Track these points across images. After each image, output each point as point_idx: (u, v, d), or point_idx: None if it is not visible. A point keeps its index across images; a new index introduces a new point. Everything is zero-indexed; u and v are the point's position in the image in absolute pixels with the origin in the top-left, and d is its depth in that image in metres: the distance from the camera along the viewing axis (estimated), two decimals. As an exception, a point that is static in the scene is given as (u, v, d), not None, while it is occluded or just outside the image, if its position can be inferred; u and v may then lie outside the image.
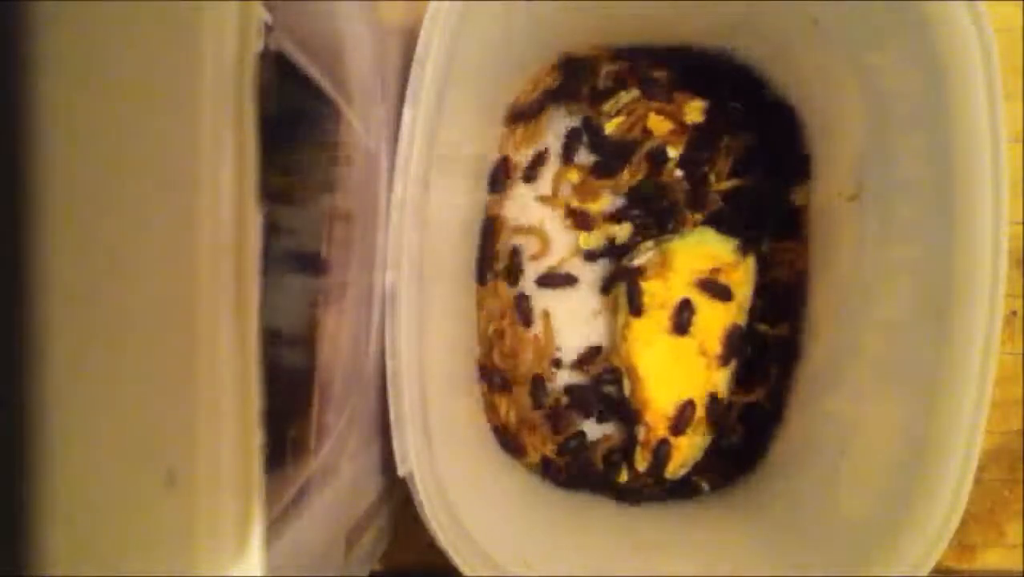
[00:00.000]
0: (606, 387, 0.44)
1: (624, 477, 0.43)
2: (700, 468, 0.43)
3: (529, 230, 0.44)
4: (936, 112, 0.31)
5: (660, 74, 0.44)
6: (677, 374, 0.42)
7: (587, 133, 0.44)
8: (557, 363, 0.44)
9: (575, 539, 0.38)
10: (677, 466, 0.42)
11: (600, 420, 0.44)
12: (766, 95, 0.42)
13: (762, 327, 0.43)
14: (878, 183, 0.36)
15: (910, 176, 0.34)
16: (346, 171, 0.29)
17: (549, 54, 0.42)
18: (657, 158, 0.44)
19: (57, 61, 0.15)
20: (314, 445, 0.27)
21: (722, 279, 0.42)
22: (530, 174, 0.44)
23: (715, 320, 0.42)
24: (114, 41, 0.16)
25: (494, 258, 0.43)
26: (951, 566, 0.45)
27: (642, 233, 0.44)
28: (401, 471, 0.31)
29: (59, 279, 0.15)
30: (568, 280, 0.44)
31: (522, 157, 0.44)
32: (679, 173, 0.44)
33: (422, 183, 0.31)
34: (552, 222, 0.44)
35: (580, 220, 0.44)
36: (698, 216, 0.44)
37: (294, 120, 0.26)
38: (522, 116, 0.43)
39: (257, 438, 0.17)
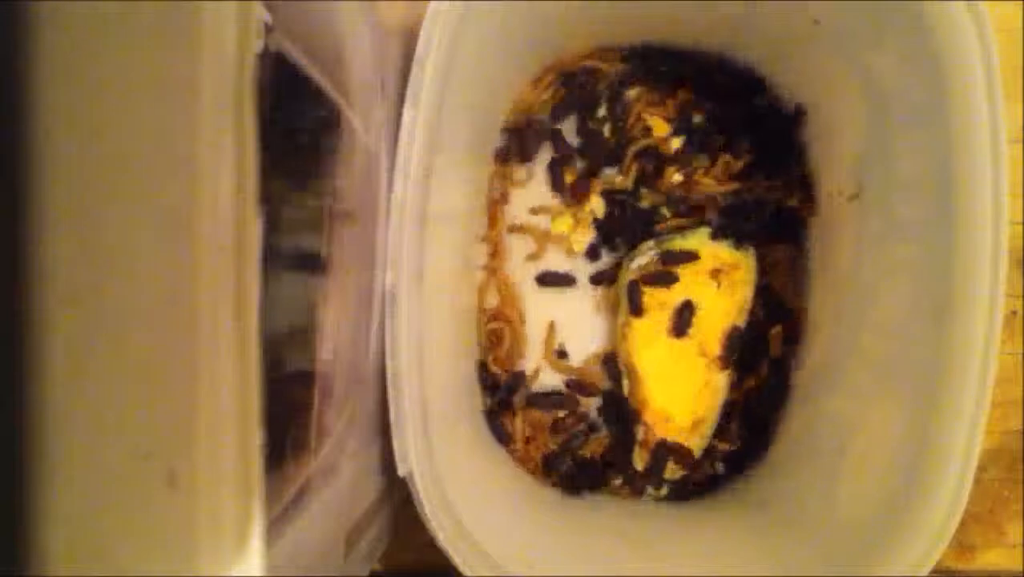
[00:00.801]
0: (606, 387, 0.44)
1: (624, 477, 0.43)
2: (699, 468, 0.43)
3: (528, 230, 0.44)
4: (936, 112, 0.31)
5: (660, 74, 0.44)
6: (677, 374, 0.42)
7: (588, 132, 0.44)
8: (557, 363, 0.44)
9: (575, 539, 0.38)
10: (676, 467, 0.42)
11: (600, 420, 0.44)
12: (766, 95, 0.42)
13: (762, 327, 0.43)
14: (878, 183, 0.36)
15: (910, 176, 0.34)
16: (346, 171, 0.29)
17: (549, 54, 0.42)
18: (658, 158, 0.44)
19: (57, 61, 0.15)
20: (314, 445, 0.27)
21: (722, 279, 0.42)
22: (530, 173, 0.44)
23: (715, 321, 0.42)
24: (114, 41, 0.16)
25: (494, 258, 0.43)
26: (951, 566, 0.45)
27: (642, 233, 0.44)
28: (401, 471, 0.31)
29: (59, 279, 0.15)
30: (567, 280, 0.44)
31: (522, 156, 0.44)
32: (679, 173, 0.44)
33: (422, 183, 0.31)
34: (552, 222, 0.44)
35: (580, 220, 0.44)
36: (698, 216, 0.44)
37: (294, 120, 0.26)
38: (521, 118, 0.43)
39: (257, 438, 0.17)
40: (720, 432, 0.43)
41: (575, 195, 0.44)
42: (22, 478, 0.14)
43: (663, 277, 0.42)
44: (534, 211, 0.44)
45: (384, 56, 0.32)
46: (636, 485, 0.43)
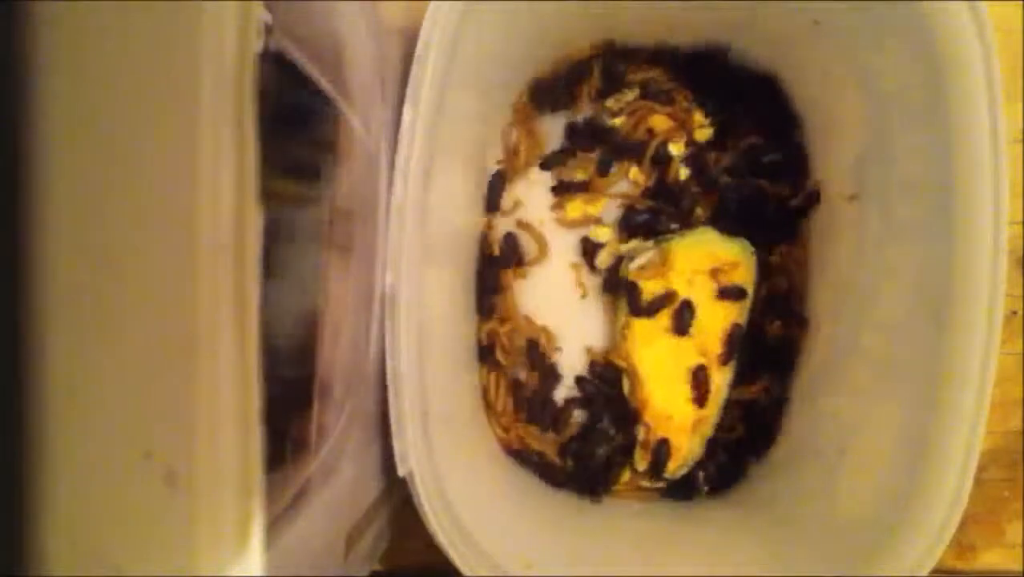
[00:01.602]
0: (606, 387, 0.44)
1: (624, 477, 0.43)
2: (700, 467, 0.43)
3: (529, 230, 0.44)
4: (936, 112, 0.31)
5: (661, 74, 0.44)
6: (677, 374, 0.42)
7: (588, 132, 0.44)
8: (557, 363, 0.44)
9: (575, 539, 0.38)
10: (677, 466, 0.42)
11: (600, 420, 0.44)
12: (767, 95, 0.42)
13: (762, 327, 0.43)
14: (878, 183, 0.36)
15: (910, 176, 0.34)
16: (346, 171, 0.29)
17: (549, 54, 0.42)
18: (658, 158, 0.44)
19: (57, 61, 0.15)
20: (314, 445, 0.27)
21: (722, 279, 0.42)
22: (530, 173, 0.44)
23: (715, 320, 0.42)
24: (114, 41, 0.16)
25: (494, 258, 0.43)
26: (951, 566, 0.45)
27: (642, 233, 0.44)
28: (401, 471, 0.31)
29: (59, 279, 0.15)
30: (568, 280, 0.44)
31: (522, 156, 0.44)
32: (679, 173, 0.44)
33: (422, 183, 0.31)
34: (552, 222, 0.44)
35: (580, 220, 0.44)
36: (699, 216, 0.44)
37: (294, 120, 0.26)
38: (523, 118, 0.43)
39: (257, 438, 0.17)
40: (720, 432, 0.43)
41: (577, 194, 0.44)
42: (22, 478, 0.14)
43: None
44: (534, 211, 0.44)
45: (384, 56, 0.32)
46: (636, 485, 0.43)
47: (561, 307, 0.44)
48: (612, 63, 0.43)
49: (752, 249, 0.42)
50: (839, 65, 0.37)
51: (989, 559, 0.45)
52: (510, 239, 0.43)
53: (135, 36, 0.16)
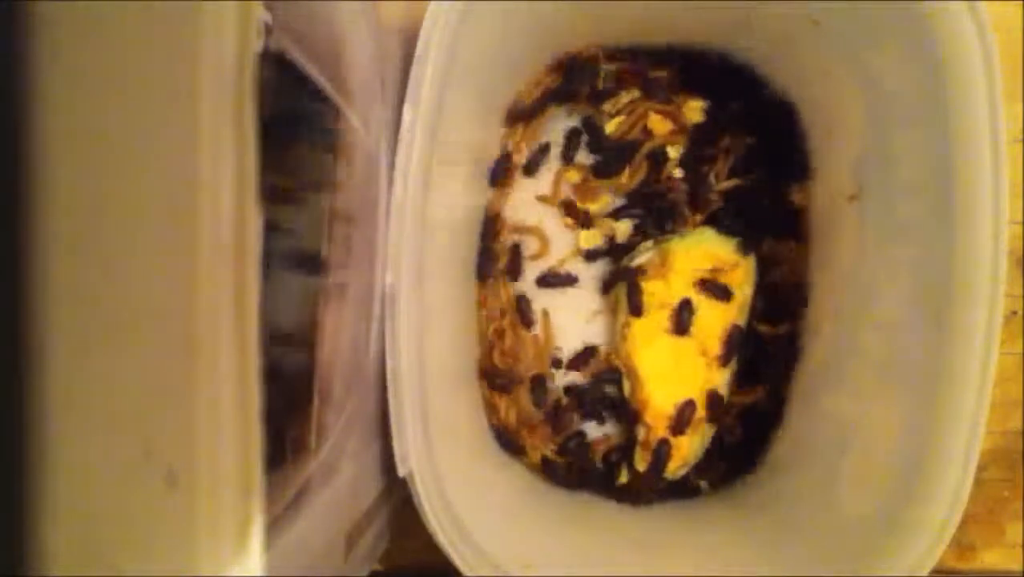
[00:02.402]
0: (606, 387, 0.44)
1: (624, 477, 0.43)
2: (700, 468, 0.43)
3: (529, 230, 0.44)
4: (936, 112, 0.31)
5: (660, 74, 0.44)
6: (677, 374, 0.42)
7: (587, 133, 0.44)
8: (557, 363, 0.44)
9: (575, 539, 0.38)
10: (677, 466, 0.42)
11: (600, 420, 0.44)
12: (766, 95, 0.42)
13: (762, 327, 0.43)
14: (878, 183, 0.36)
15: (910, 176, 0.34)
16: (346, 171, 0.29)
17: (549, 54, 0.42)
18: (657, 158, 0.44)
19: (57, 61, 0.15)
20: (314, 445, 0.27)
21: (722, 279, 0.42)
22: (530, 173, 0.44)
23: (715, 320, 0.42)
24: (114, 41, 0.16)
25: (494, 257, 0.43)
26: (951, 566, 0.45)
27: (642, 233, 0.44)
28: (401, 471, 0.31)
29: (59, 279, 0.15)
30: (568, 280, 0.44)
31: (522, 156, 0.44)
32: (679, 173, 0.44)
33: (422, 183, 0.31)
34: (552, 222, 0.44)
35: (580, 220, 0.44)
36: (698, 216, 0.44)
37: (294, 120, 0.26)
38: (522, 116, 0.43)
39: (257, 438, 0.17)
40: (721, 432, 0.43)
41: (575, 195, 0.44)
42: (23, 478, 0.14)
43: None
44: (534, 211, 0.44)
45: (384, 56, 0.32)
46: (636, 485, 0.43)
47: (561, 306, 0.44)
48: (611, 63, 0.43)
49: (752, 249, 0.42)
50: (839, 65, 0.37)
51: (989, 559, 0.45)
52: (515, 250, 0.43)
53: (135, 36, 0.16)
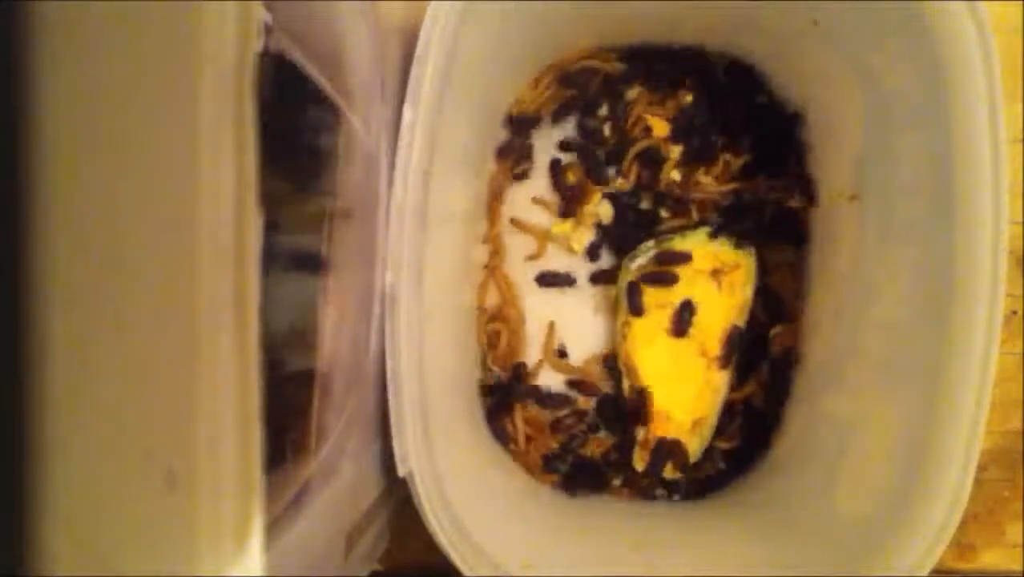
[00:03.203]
0: (606, 387, 0.44)
1: (624, 477, 0.43)
2: (700, 467, 0.43)
3: (528, 230, 0.44)
4: (936, 112, 0.31)
5: (660, 74, 0.44)
6: (677, 374, 0.42)
7: (588, 133, 0.44)
8: (557, 363, 0.44)
9: (575, 539, 0.38)
10: (677, 466, 0.42)
11: (600, 420, 0.44)
12: (766, 95, 0.42)
13: (762, 327, 0.43)
14: (878, 183, 0.36)
15: (910, 176, 0.34)
16: (346, 171, 0.29)
17: (549, 54, 0.42)
18: (657, 158, 0.44)
19: (57, 62, 0.15)
20: (314, 445, 0.27)
21: (722, 279, 0.42)
22: (530, 174, 0.44)
23: (715, 320, 0.42)
24: (114, 41, 0.16)
25: (494, 257, 0.43)
26: (951, 566, 0.45)
27: (642, 233, 0.44)
28: (401, 471, 0.31)
29: (59, 279, 0.15)
30: (567, 280, 0.44)
31: (522, 156, 0.44)
32: (678, 174, 0.44)
33: (422, 183, 0.31)
34: (552, 222, 0.44)
35: (580, 220, 0.44)
36: (698, 216, 0.44)
37: (294, 120, 0.26)
38: (522, 121, 0.43)
39: (257, 438, 0.17)
40: (720, 432, 0.43)
41: (576, 195, 0.44)
42: (23, 478, 0.14)
43: (662, 277, 0.42)
44: (535, 208, 0.44)
45: (384, 56, 0.32)
46: (636, 485, 0.43)
47: (561, 307, 0.44)
48: (611, 63, 0.43)
49: (752, 249, 0.42)
50: (839, 65, 0.37)
51: (989, 559, 0.45)
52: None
53: (135, 36, 0.16)
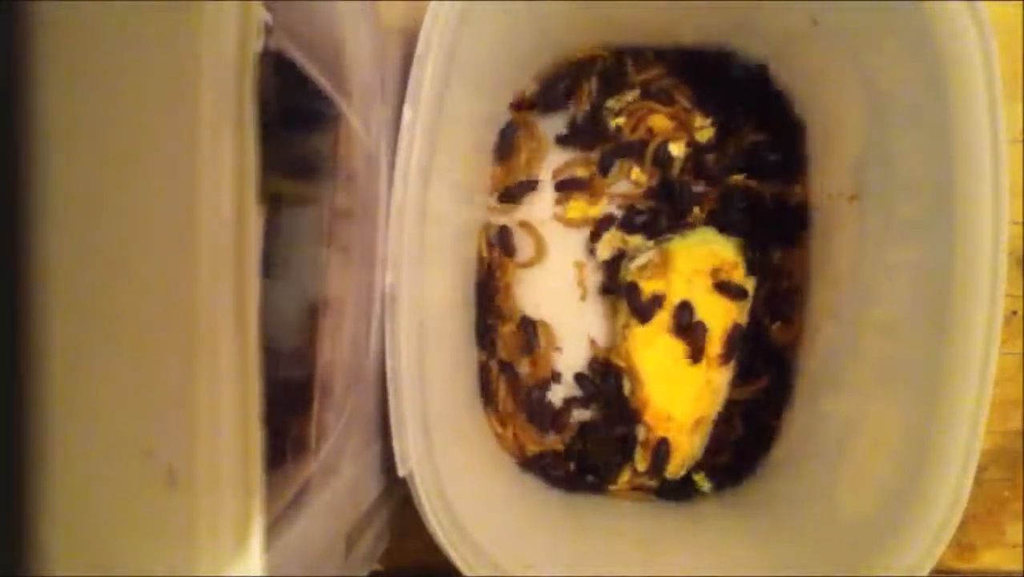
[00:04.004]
0: (606, 387, 0.44)
1: (624, 477, 0.43)
2: (700, 468, 0.43)
3: (529, 230, 0.44)
4: (936, 112, 0.31)
5: (660, 74, 0.44)
6: (677, 374, 0.42)
7: (589, 133, 0.44)
8: (557, 363, 0.44)
9: (575, 539, 0.38)
10: (677, 466, 0.42)
11: (600, 420, 0.44)
12: (767, 95, 0.42)
13: (762, 327, 0.43)
14: (878, 183, 0.36)
15: (910, 176, 0.34)
16: (346, 171, 0.29)
17: (549, 54, 0.42)
18: (659, 158, 0.44)
19: (57, 61, 0.15)
20: (314, 445, 0.27)
21: (724, 278, 0.42)
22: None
23: (715, 320, 0.42)
24: (114, 41, 0.16)
25: (494, 258, 0.43)
26: (951, 566, 0.45)
27: (643, 232, 0.44)
28: (401, 471, 0.31)
29: (59, 279, 0.15)
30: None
31: (522, 156, 0.44)
32: (679, 173, 0.44)
33: (422, 183, 0.31)
34: (553, 222, 0.44)
35: (580, 220, 0.44)
36: (699, 216, 0.44)
37: (294, 120, 0.26)
38: (523, 118, 0.43)
39: (257, 438, 0.17)
40: (721, 432, 0.43)
41: (578, 194, 0.44)
42: (22, 478, 0.14)
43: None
44: (534, 212, 0.44)
45: (384, 56, 0.32)
46: (637, 485, 0.43)
47: (561, 307, 0.44)
48: (612, 63, 0.43)
49: (752, 249, 0.42)
50: (839, 65, 0.37)
51: (989, 559, 0.45)
52: (504, 232, 0.43)
53: (135, 36, 0.16)
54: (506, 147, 0.43)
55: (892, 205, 0.35)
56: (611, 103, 0.44)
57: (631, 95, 0.44)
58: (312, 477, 0.27)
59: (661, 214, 0.44)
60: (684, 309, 0.41)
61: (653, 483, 0.43)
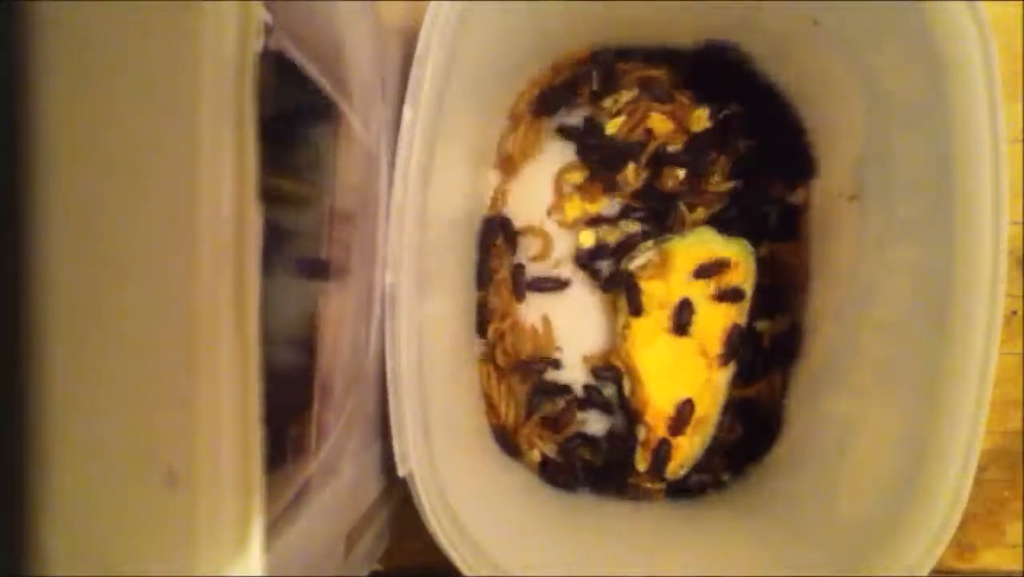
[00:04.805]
0: (606, 387, 0.44)
1: (624, 477, 0.43)
2: (700, 468, 0.43)
3: (530, 230, 0.44)
4: (936, 112, 0.31)
5: (660, 74, 0.44)
6: (677, 374, 0.42)
7: (587, 133, 0.44)
8: (557, 363, 0.44)
9: (575, 539, 0.38)
10: (677, 466, 0.42)
11: (600, 420, 0.44)
12: (766, 95, 0.42)
13: (762, 326, 0.43)
14: (878, 183, 0.36)
15: (910, 176, 0.34)
16: (346, 171, 0.29)
17: (549, 54, 0.42)
18: (658, 158, 0.44)
19: (57, 61, 0.15)
20: (314, 445, 0.27)
21: (726, 279, 0.42)
22: (528, 173, 0.44)
23: (715, 320, 0.42)
24: (114, 41, 0.16)
25: (494, 258, 0.43)
26: (951, 566, 0.45)
27: (642, 233, 0.44)
28: (401, 471, 0.31)
29: (59, 279, 0.15)
30: (560, 284, 0.44)
31: (521, 156, 0.44)
32: (680, 173, 0.44)
33: (422, 183, 0.31)
34: (552, 222, 0.44)
35: (580, 220, 0.44)
36: (698, 216, 0.44)
37: (294, 120, 0.26)
38: (522, 118, 0.43)
39: (257, 438, 0.17)
40: (721, 432, 0.43)
41: (576, 195, 0.44)
42: (22, 478, 0.14)
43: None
44: (535, 212, 0.44)
45: (384, 56, 0.32)
46: (637, 485, 0.43)
47: (561, 307, 0.44)
48: (611, 63, 0.43)
49: (751, 249, 0.42)
50: (839, 65, 0.37)
51: (989, 559, 0.45)
52: (505, 231, 0.43)
53: (135, 36, 0.16)
54: (506, 147, 0.43)
55: (892, 205, 0.35)
56: (609, 103, 0.44)
57: (630, 95, 0.44)
58: (312, 477, 0.27)
59: (660, 214, 0.44)
60: (684, 309, 0.41)
61: (653, 483, 0.43)
